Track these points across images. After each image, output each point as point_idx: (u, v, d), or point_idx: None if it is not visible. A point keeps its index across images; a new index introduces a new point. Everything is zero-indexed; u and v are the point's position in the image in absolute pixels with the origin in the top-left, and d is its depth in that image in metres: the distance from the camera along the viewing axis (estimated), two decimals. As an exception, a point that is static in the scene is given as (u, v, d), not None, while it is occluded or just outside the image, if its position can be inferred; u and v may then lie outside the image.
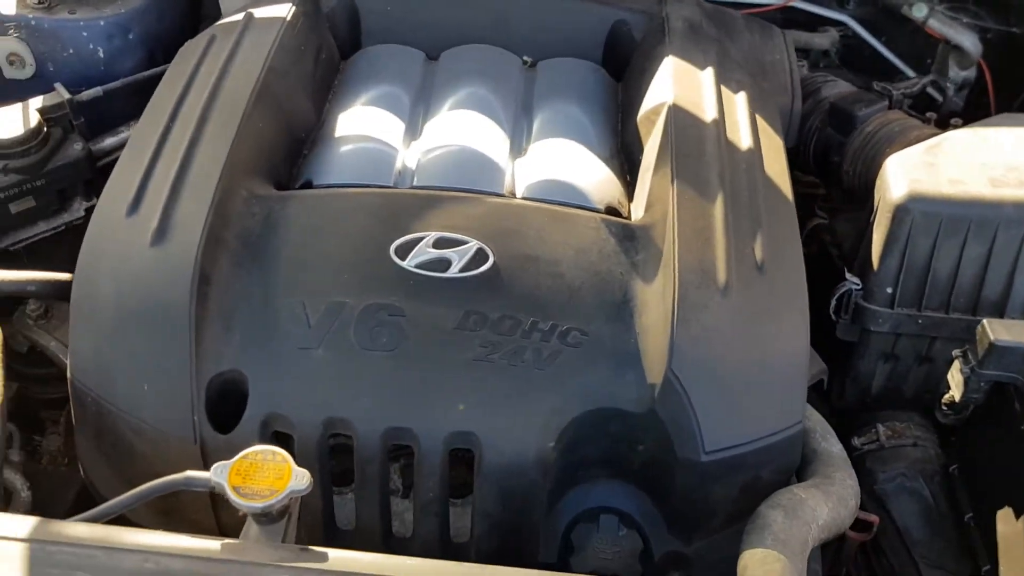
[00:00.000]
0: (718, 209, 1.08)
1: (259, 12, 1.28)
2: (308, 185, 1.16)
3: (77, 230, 1.35)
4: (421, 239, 1.03)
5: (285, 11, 1.28)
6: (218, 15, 1.45)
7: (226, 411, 0.99)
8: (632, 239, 1.08)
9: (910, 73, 1.59)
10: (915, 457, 1.26)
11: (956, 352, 1.12)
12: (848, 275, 1.21)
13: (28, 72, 1.32)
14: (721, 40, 1.32)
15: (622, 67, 1.38)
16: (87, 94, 1.28)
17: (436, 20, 1.38)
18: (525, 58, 1.38)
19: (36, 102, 1.24)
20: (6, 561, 0.79)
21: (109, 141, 1.32)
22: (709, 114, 1.19)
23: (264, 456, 0.87)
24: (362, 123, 1.24)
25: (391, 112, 1.26)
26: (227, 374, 0.98)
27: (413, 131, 1.25)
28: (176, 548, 0.81)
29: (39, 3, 1.31)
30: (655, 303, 1.01)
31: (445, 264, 1.02)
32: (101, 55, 1.33)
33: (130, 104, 1.36)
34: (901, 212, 1.16)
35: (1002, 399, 1.13)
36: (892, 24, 1.58)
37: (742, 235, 1.06)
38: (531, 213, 1.09)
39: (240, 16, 1.29)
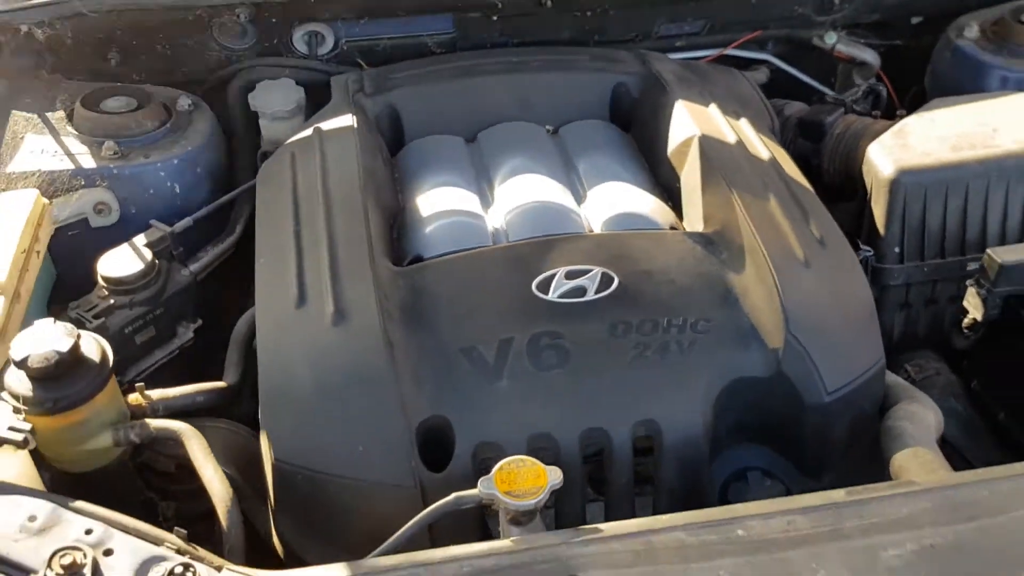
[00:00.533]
0: (774, 206, 1.30)
1: (326, 126, 1.43)
2: (419, 259, 1.31)
3: (185, 354, 1.44)
4: (554, 275, 1.20)
5: (350, 120, 1.44)
6: (251, 143, 1.60)
7: (435, 454, 1.11)
8: (711, 244, 1.28)
9: (825, 90, 1.90)
10: (942, 383, 1.50)
11: (969, 281, 1.38)
12: (861, 246, 1.47)
13: (113, 218, 1.40)
14: (703, 84, 1.58)
15: (627, 120, 1.60)
16: (180, 225, 1.38)
17: (466, 110, 1.56)
18: (548, 127, 1.58)
19: (140, 239, 1.33)
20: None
21: (196, 265, 1.43)
22: (730, 138, 1.42)
23: (517, 464, 1.00)
24: (441, 201, 1.39)
25: (460, 188, 1.42)
26: (430, 421, 1.11)
27: (485, 200, 1.42)
28: (479, 552, 0.93)
29: (115, 154, 1.41)
30: (753, 287, 1.21)
31: (581, 291, 1.19)
32: (177, 190, 1.43)
33: (205, 229, 1.48)
34: (895, 185, 1.42)
35: (1009, 312, 1.39)
36: (803, 54, 1.89)
37: (798, 221, 1.29)
38: (628, 239, 1.29)
39: (309, 132, 1.43)
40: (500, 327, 1.15)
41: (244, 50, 1.63)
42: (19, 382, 1.05)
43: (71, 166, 1.36)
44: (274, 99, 1.52)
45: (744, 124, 1.47)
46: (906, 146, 1.45)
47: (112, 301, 1.26)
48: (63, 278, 1.38)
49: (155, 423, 1.11)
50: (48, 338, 1.05)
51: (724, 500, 1.20)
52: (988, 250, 1.32)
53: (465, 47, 1.66)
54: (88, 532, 0.91)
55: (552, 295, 1.18)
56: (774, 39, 1.83)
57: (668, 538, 0.94)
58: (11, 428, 0.96)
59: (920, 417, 1.18)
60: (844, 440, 1.22)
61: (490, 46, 1.66)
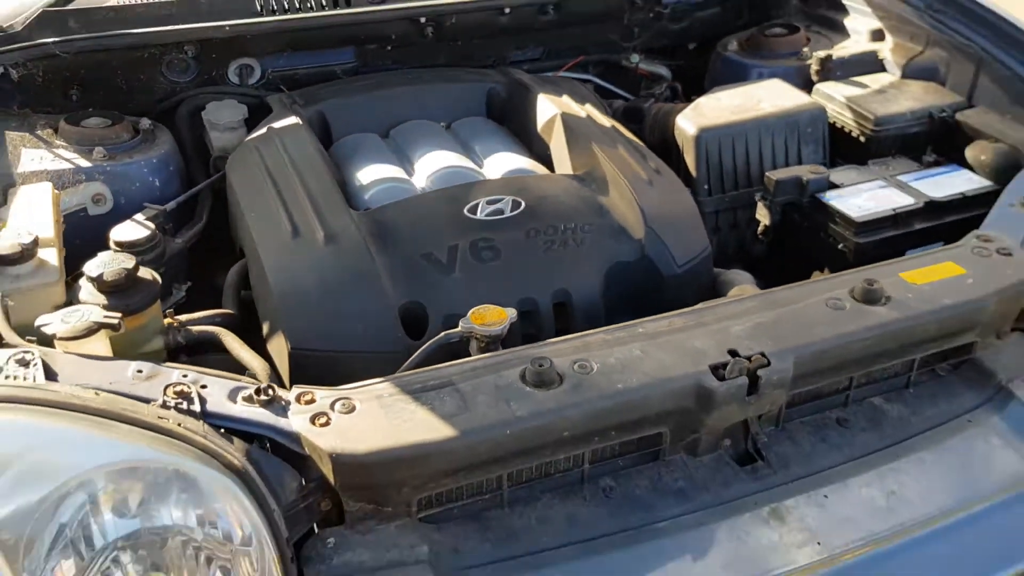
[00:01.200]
0: (622, 151, 1.77)
1: (277, 125, 1.78)
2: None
3: (178, 310, 1.70)
4: (478, 203, 1.60)
5: (296, 120, 1.80)
6: (197, 153, 1.92)
7: (413, 329, 1.47)
8: (583, 180, 1.73)
9: (632, 98, 2.44)
10: (749, 285, 2.03)
11: (757, 197, 1.90)
12: (680, 187, 1.97)
13: (108, 207, 1.67)
14: (555, 84, 2.06)
15: (499, 115, 2.05)
16: (169, 205, 1.69)
17: (379, 114, 1.96)
18: (442, 124, 2.01)
19: (140, 217, 1.61)
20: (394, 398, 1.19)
21: (182, 239, 1.72)
22: (583, 114, 1.90)
23: (485, 308, 1.38)
24: (376, 173, 1.77)
25: (388, 164, 1.81)
26: (407, 305, 1.47)
27: (409, 172, 1.82)
28: (472, 360, 1.28)
29: (104, 156, 1.69)
30: (618, 203, 1.65)
31: (500, 212, 1.60)
32: (157, 184, 1.72)
33: (176, 217, 1.77)
34: (698, 140, 1.92)
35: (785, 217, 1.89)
36: (614, 72, 2.43)
37: (640, 160, 1.76)
38: (526, 180, 1.71)
39: (263, 131, 1.78)
40: (447, 238, 1.54)
41: (187, 82, 1.96)
42: (92, 296, 1.34)
43: (71, 166, 1.64)
44: (224, 114, 1.85)
45: (589, 107, 1.95)
46: (702, 114, 1.98)
47: (128, 261, 1.55)
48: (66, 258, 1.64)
49: (195, 328, 1.41)
50: (113, 261, 1.35)
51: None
52: (767, 173, 1.85)
53: (365, 72, 2.07)
54: (184, 376, 1.21)
55: (480, 215, 1.58)
56: (593, 63, 2.36)
57: (594, 338, 1.34)
58: (106, 316, 1.24)
59: (744, 274, 1.67)
60: (693, 303, 1.69)
61: (384, 71, 2.08)
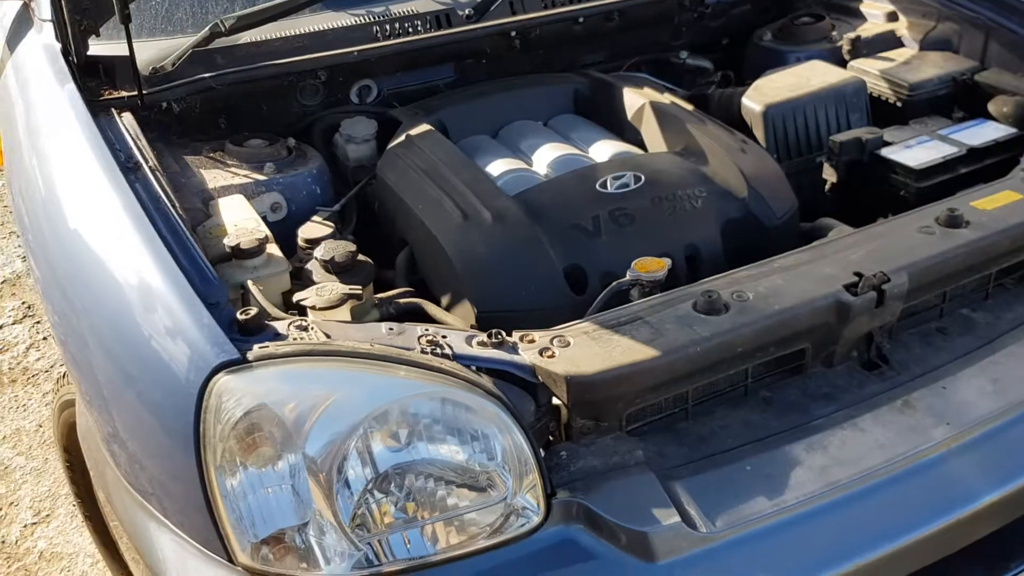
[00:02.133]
0: (711, 128, 2.00)
1: (413, 133, 2.00)
2: None
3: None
4: (606, 179, 1.82)
5: (427, 127, 2.02)
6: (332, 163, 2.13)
7: (575, 287, 1.68)
8: (684, 155, 1.96)
9: (682, 92, 2.69)
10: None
11: (819, 160, 2.14)
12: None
13: (283, 214, 1.87)
14: (632, 79, 2.30)
15: (586, 110, 2.27)
16: (338, 206, 1.90)
17: (487, 117, 2.17)
18: (540, 122, 2.24)
19: (317, 218, 1.81)
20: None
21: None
22: (667, 100, 2.14)
23: (646, 259, 1.60)
24: (502, 166, 1.98)
25: (508, 159, 2.03)
26: (567, 268, 1.68)
27: (528, 162, 2.04)
28: (650, 300, 1.50)
29: (275, 170, 1.89)
30: (718, 170, 1.87)
31: (626, 185, 1.81)
32: (318, 191, 1.91)
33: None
34: (765, 115, 2.16)
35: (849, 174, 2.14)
36: (663, 68, 2.68)
37: (727, 134, 1.99)
38: (637, 158, 1.93)
39: (401, 139, 1.99)
40: (589, 210, 1.75)
41: (316, 105, 2.16)
42: (324, 276, 1.54)
43: (252, 180, 1.84)
44: (359, 129, 2.06)
45: (668, 95, 2.19)
46: (764, 93, 2.22)
47: (315, 256, 1.75)
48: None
49: (400, 300, 1.62)
50: (338, 246, 1.56)
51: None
52: (831, 137, 2.09)
53: (463, 84, 2.29)
54: (427, 329, 1.42)
55: (611, 189, 1.80)
56: (647, 62, 2.60)
57: (741, 274, 1.55)
58: (351, 288, 1.45)
59: (831, 221, 1.91)
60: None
61: (478, 81, 2.31)
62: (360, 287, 1.47)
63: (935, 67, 2.32)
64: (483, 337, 1.39)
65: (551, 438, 1.41)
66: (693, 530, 1.29)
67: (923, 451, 1.44)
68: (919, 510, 1.39)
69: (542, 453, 1.32)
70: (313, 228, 1.76)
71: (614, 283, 1.56)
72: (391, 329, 1.39)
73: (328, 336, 1.33)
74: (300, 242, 1.75)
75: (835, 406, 1.51)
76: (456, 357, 1.34)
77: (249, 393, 1.24)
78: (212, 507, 1.26)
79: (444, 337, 1.38)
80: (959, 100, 2.27)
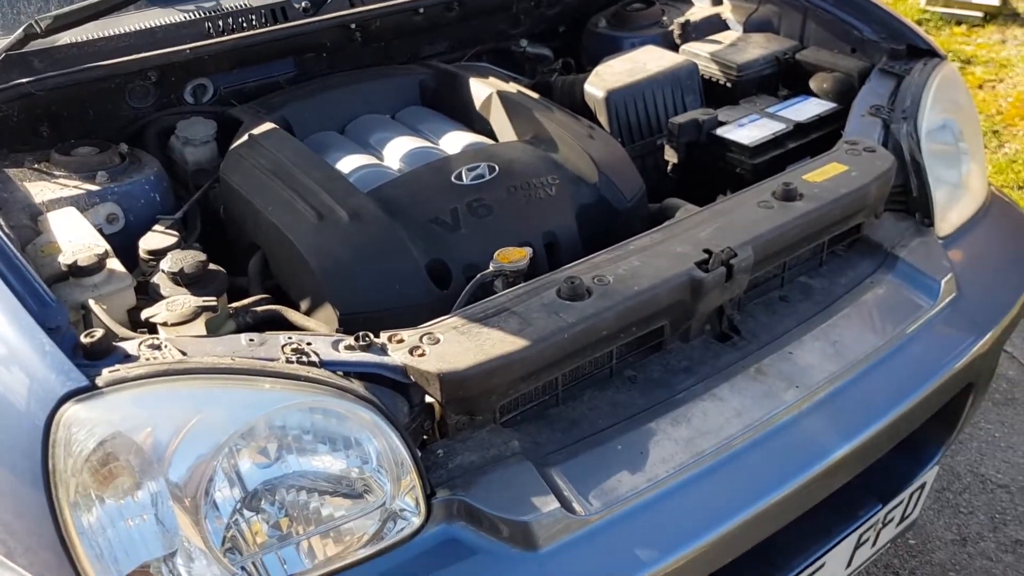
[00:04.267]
0: (558, 116, 2.01)
1: (256, 131, 1.89)
2: None
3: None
4: (461, 171, 1.79)
5: (271, 124, 1.92)
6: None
7: (439, 281, 1.65)
8: (534, 143, 1.96)
9: (524, 80, 2.69)
10: (663, 216, 2.35)
11: (659, 142, 2.20)
12: (598, 143, 2.24)
13: (120, 225, 1.72)
14: (476, 69, 2.28)
15: (432, 102, 2.24)
16: (179, 213, 1.77)
17: (333, 112, 2.10)
18: (387, 115, 2.18)
19: (159, 227, 1.69)
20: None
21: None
22: (513, 89, 2.13)
23: (507, 250, 1.58)
24: (352, 163, 1.92)
25: (359, 154, 1.96)
26: (430, 263, 1.65)
27: (379, 157, 1.98)
28: (516, 290, 1.49)
29: (108, 179, 1.74)
30: (569, 157, 1.88)
31: (482, 176, 1.79)
32: (157, 199, 1.77)
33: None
34: (608, 101, 2.19)
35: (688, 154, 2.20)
36: (505, 56, 2.67)
37: (574, 121, 2.01)
38: (490, 148, 1.91)
39: (244, 139, 1.88)
40: (446, 203, 1.72)
41: (148, 107, 2.01)
42: (173, 289, 1.44)
43: (84, 191, 1.69)
44: (198, 131, 1.93)
45: (513, 84, 2.19)
46: (604, 79, 2.25)
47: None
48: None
49: (258, 309, 1.53)
50: (186, 256, 1.45)
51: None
52: (670, 120, 2.15)
53: (304, 79, 2.20)
54: (290, 337, 1.35)
55: (467, 181, 1.78)
56: (487, 51, 2.59)
57: (599, 258, 1.56)
58: (205, 301, 1.35)
59: (677, 200, 1.96)
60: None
61: (320, 76, 2.22)
62: (214, 298, 1.38)
63: (759, 48, 2.42)
64: (350, 340, 1.34)
65: (426, 437, 1.38)
66: (572, 514, 1.30)
67: (777, 414, 1.51)
68: (779, 470, 1.46)
69: (419, 453, 1.29)
70: (155, 238, 1.65)
71: (478, 275, 1.54)
72: (252, 340, 1.31)
73: (184, 353, 1.25)
74: (142, 254, 1.63)
75: (695, 379, 1.56)
76: (323, 364, 1.29)
77: (101, 422, 1.15)
78: (67, 546, 1.16)
79: (309, 344, 1.32)
80: (783, 78, 2.39)
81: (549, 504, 1.30)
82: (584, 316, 1.42)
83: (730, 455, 1.44)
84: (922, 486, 1.86)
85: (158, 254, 1.62)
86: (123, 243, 1.69)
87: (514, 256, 1.56)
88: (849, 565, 1.78)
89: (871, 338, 1.69)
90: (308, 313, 1.62)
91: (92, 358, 1.22)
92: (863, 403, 1.59)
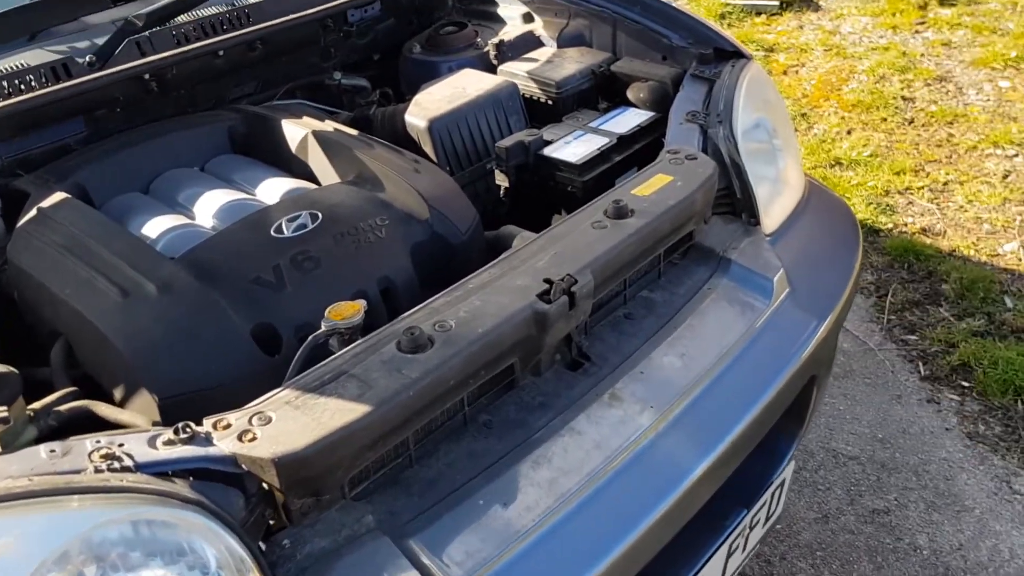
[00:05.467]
0: (380, 152, 1.91)
1: (46, 204, 1.68)
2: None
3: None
4: (280, 222, 1.66)
5: (62, 194, 1.71)
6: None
7: (268, 348, 1.51)
8: (359, 183, 1.84)
9: (343, 113, 2.56)
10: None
11: (489, 166, 2.14)
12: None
13: None
14: (287, 110, 2.13)
15: (244, 147, 2.09)
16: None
17: (135, 171, 1.91)
18: (196, 167, 2.00)
19: None
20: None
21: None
22: (330, 128, 2.00)
23: (339, 305, 1.46)
24: (161, 224, 1.74)
25: (167, 215, 1.79)
26: (256, 328, 1.51)
27: (190, 216, 1.81)
28: (355, 350, 1.37)
29: None
30: (396, 194, 1.78)
31: (304, 226, 1.66)
32: None
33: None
34: (431, 130, 2.11)
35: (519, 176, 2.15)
36: (320, 91, 2.53)
37: (398, 155, 1.92)
38: (311, 194, 1.78)
39: (32, 213, 1.67)
40: (267, 260, 1.59)
41: (-87, 186, 1.77)
42: None
43: None
44: None
45: (329, 122, 2.06)
46: (425, 108, 2.17)
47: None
48: None
49: (62, 408, 1.34)
50: None
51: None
52: (497, 144, 2.09)
53: (97, 139, 1.99)
54: (98, 441, 1.18)
55: (287, 233, 1.65)
56: (301, 87, 2.45)
57: (438, 302, 1.48)
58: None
59: (512, 228, 1.90)
60: (479, 264, 1.89)
61: (116, 133, 2.03)
62: (3, 408, 1.20)
63: (575, 63, 2.40)
64: (169, 435, 1.20)
65: (272, 523, 1.25)
66: (440, 586, 1.21)
67: (635, 440, 1.47)
68: (643, 498, 1.41)
69: (261, 552, 1.16)
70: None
71: (309, 338, 1.42)
72: (53, 451, 1.14)
73: (-30, 480, 1.07)
74: (-84, 361, 1.42)
75: (551, 413, 1.49)
76: (139, 467, 1.14)
77: None
78: None
79: (121, 446, 1.16)
80: (601, 91, 2.38)
81: (410, 579, 1.20)
82: (428, 369, 1.32)
83: (594, 491, 1.39)
84: (782, 483, 1.88)
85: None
86: None
87: (347, 311, 1.45)
88: (724, 574, 1.77)
89: (715, 345, 1.68)
90: (123, 402, 1.45)
91: None
92: (716, 414, 1.58)
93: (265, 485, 1.22)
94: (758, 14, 6.33)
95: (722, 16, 6.33)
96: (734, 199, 1.97)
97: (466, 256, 1.80)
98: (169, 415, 1.42)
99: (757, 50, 5.71)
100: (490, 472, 1.39)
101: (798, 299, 1.84)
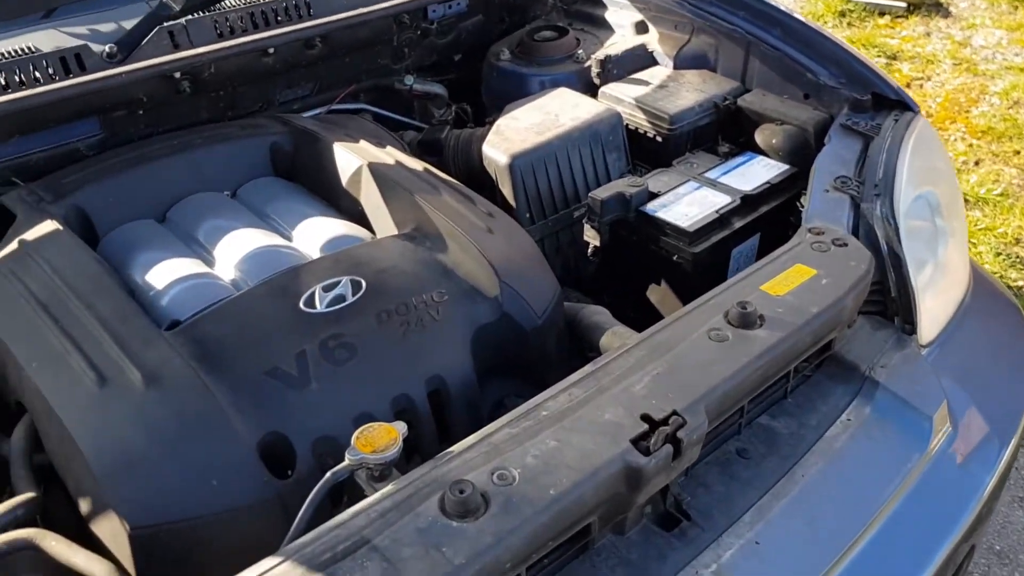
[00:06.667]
0: (447, 199, 1.56)
1: (30, 236, 1.39)
2: (176, 324, 1.36)
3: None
4: (313, 292, 1.34)
5: (54, 224, 1.41)
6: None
7: (279, 466, 1.20)
8: (415, 239, 1.51)
9: (414, 123, 2.23)
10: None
11: (576, 215, 1.79)
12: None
13: None
14: (342, 127, 1.80)
15: (287, 171, 1.77)
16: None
17: (149, 194, 1.60)
18: (226, 192, 1.69)
19: None
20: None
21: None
22: (389, 160, 1.66)
23: (370, 429, 1.13)
24: (170, 271, 1.44)
25: (180, 258, 1.48)
26: (265, 439, 1.19)
27: (208, 262, 1.50)
28: (376, 500, 1.03)
29: None
30: (461, 259, 1.45)
31: (342, 298, 1.34)
32: None
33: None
34: (511, 168, 1.77)
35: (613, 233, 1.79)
36: (388, 97, 2.20)
37: (469, 204, 1.57)
38: (355, 251, 1.45)
39: (13, 246, 1.38)
40: (290, 344, 1.27)
41: None
42: None
43: None
44: None
45: (392, 150, 1.73)
46: (507, 139, 1.82)
47: None
48: None
49: (5, 538, 1.05)
50: None
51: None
52: (590, 194, 1.74)
53: (114, 144, 1.70)
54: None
55: (320, 307, 1.33)
56: (365, 90, 2.12)
57: (499, 435, 1.16)
58: None
59: (600, 310, 1.55)
60: (555, 352, 1.54)
61: (137, 139, 1.72)
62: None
63: (694, 91, 2.02)
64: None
65: None
66: None
67: (749, 649, 1.12)
68: None
69: None
70: None
71: (328, 474, 1.09)
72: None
73: None
74: None
75: (634, 596, 1.15)
76: None
77: None
78: None
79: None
80: (722, 129, 2.00)
81: None
82: (478, 550, 0.98)
83: None
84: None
85: None
86: None
87: (381, 440, 1.11)
88: None
89: (855, 508, 1.31)
90: (90, 519, 1.15)
91: None
92: (853, 611, 1.22)
93: None
94: (882, 15, 5.77)
95: (842, 14, 5.80)
96: (886, 297, 1.58)
97: (539, 343, 1.46)
98: (143, 548, 1.11)
99: (879, 56, 5.20)
100: None
101: (962, 444, 1.46)
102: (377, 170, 1.61)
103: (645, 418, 1.15)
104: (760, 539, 1.24)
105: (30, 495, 1.17)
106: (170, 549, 1.12)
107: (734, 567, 1.20)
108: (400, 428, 1.14)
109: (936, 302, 1.66)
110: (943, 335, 1.64)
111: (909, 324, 1.57)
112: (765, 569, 1.20)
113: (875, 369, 1.49)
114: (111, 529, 1.13)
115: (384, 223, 1.58)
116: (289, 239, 1.56)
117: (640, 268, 1.76)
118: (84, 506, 1.17)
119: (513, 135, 1.81)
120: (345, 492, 1.19)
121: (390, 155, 1.68)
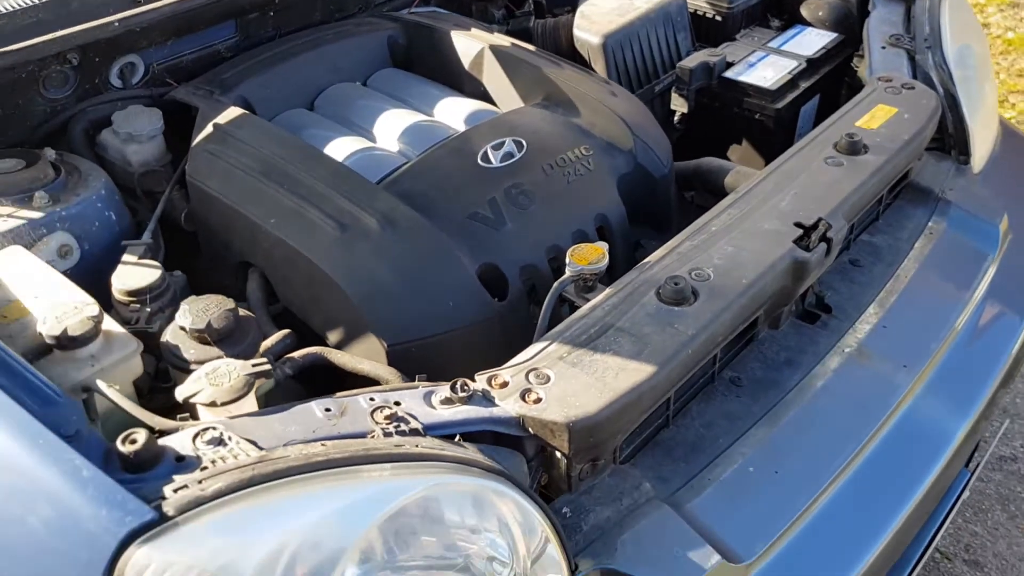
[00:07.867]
0: (568, 71, 1.76)
1: (223, 119, 1.54)
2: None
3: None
4: (485, 151, 1.53)
5: (239, 110, 1.57)
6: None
7: (494, 291, 1.40)
8: (550, 107, 1.70)
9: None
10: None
11: (673, 89, 2.00)
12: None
13: (76, 259, 1.36)
14: (449, 18, 1.97)
15: (404, 61, 1.93)
16: (146, 235, 1.43)
17: (298, 85, 1.76)
18: (358, 82, 1.85)
19: (130, 257, 1.34)
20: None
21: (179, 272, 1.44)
22: (506, 43, 1.84)
23: (580, 248, 1.34)
24: (341, 147, 1.60)
25: (344, 136, 1.65)
26: (481, 269, 1.39)
27: (369, 137, 1.67)
28: (605, 297, 1.25)
29: (49, 201, 1.36)
30: (595, 119, 1.65)
31: (511, 155, 1.53)
32: (113, 217, 1.41)
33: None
34: (605, 47, 1.96)
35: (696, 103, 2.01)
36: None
37: (587, 74, 1.77)
38: (506, 118, 1.64)
39: (209, 130, 1.53)
40: (481, 192, 1.47)
41: (66, 98, 1.61)
42: (203, 352, 1.13)
43: (23, 220, 1.31)
44: (142, 123, 1.55)
45: (499, 36, 1.91)
46: (596, 22, 2.00)
47: (149, 308, 1.29)
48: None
49: (296, 355, 1.24)
50: (208, 306, 1.14)
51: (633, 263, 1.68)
52: (679, 64, 1.95)
53: (246, 47, 1.83)
54: (372, 399, 1.08)
55: (496, 163, 1.52)
56: (436, -5, 2.28)
57: (682, 247, 1.36)
58: (255, 365, 1.06)
59: (715, 159, 1.77)
60: (675, 200, 1.77)
61: (264, 41, 1.86)
62: (264, 360, 1.09)
63: (743, -26, 2.23)
64: (446, 392, 1.09)
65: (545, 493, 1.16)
66: (736, 564, 1.13)
67: (896, 402, 1.37)
68: (915, 467, 1.33)
69: (560, 525, 1.07)
70: (132, 273, 1.30)
71: (556, 284, 1.30)
72: (328, 410, 1.04)
73: (258, 445, 0.97)
74: (120, 296, 1.29)
75: (800, 372, 1.39)
76: (427, 429, 1.04)
77: (183, 565, 0.87)
78: None
79: (398, 404, 1.06)
80: (771, 7, 2.22)
81: (710, 558, 1.11)
82: (702, 324, 1.21)
83: (866, 460, 1.30)
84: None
85: (141, 294, 1.29)
86: (81, 280, 1.34)
87: (591, 255, 1.33)
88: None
89: (951, 298, 1.58)
90: (341, 346, 1.35)
91: (135, 470, 0.92)
92: (968, 372, 1.49)
93: (546, 450, 1.12)
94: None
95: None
96: (944, 134, 1.83)
97: (665, 190, 1.68)
98: (394, 364, 1.31)
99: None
100: (751, 436, 1.29)
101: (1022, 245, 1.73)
102: (498, 51, 1.79)
103: (798, 225, 1.39)
104: (886, 324, 1.50)
105: (287, 331, 1.35)
106: (417, 362, 1.32)
107: (871, 345, 1.45)
108: (603, 245, 1.36)
109: (981, 139, 1.92)
110: (988, 166, 1.91)
111: (964, 155, 1.83)
112: (894, 345, 1.46)
113: (944, 192, 1.75)
114: (367, 349, 1.32)
115: (509, 99, 1.77)
116: (432, 115, 1.73)
117: (722, 131, 1.98)
118: (335, 336, 1.36)
119: (600, 18, 2.00)
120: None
121: (504, 39, 1.86)
